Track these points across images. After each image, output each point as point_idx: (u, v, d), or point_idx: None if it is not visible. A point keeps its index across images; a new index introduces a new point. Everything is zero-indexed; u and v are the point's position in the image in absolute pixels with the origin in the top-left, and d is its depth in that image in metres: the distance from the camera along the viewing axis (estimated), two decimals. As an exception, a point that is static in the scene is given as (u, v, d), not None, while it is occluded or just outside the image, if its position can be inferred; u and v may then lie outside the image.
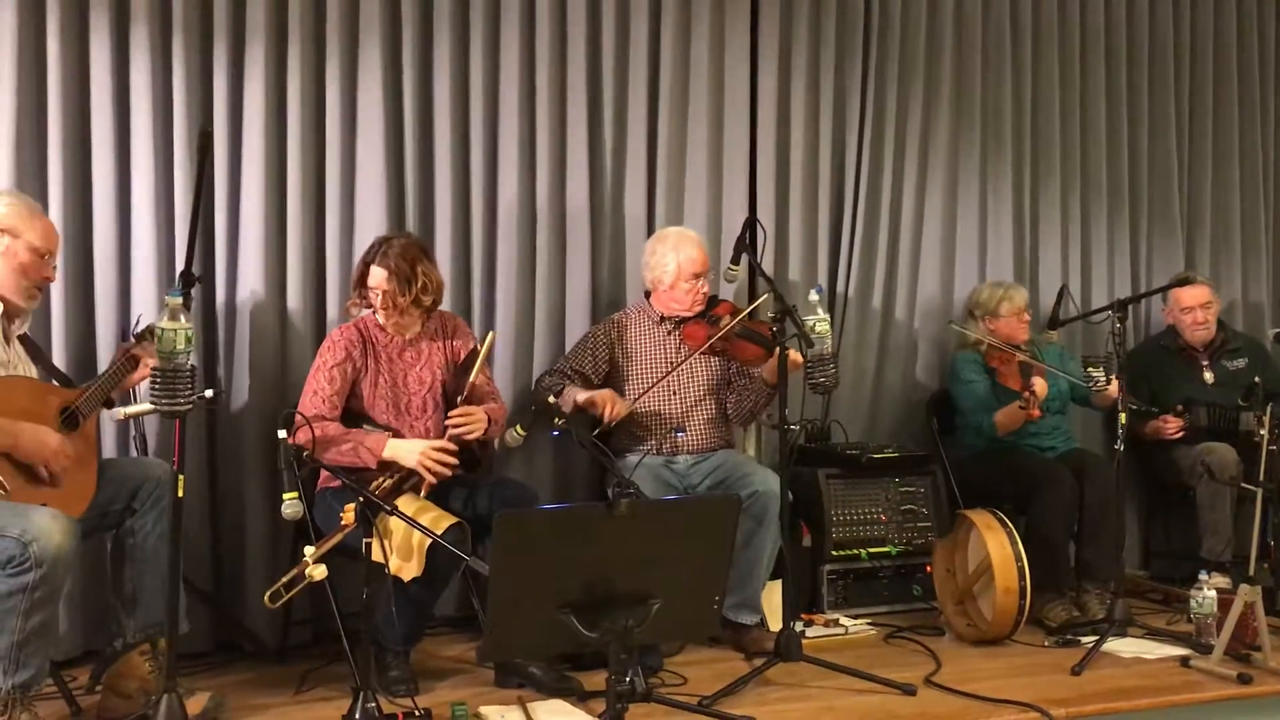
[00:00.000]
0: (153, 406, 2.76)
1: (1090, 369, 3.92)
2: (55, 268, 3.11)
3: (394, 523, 3.07)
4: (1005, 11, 4.77)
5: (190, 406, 2.76)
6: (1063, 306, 4.36)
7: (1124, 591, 3.80)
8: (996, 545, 3.70)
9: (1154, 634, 3.81)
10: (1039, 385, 4.02)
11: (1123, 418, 3.78)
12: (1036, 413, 3.98)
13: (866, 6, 4.57)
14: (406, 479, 3.32)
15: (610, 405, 3.76)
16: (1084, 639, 3.71)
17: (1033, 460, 4.24)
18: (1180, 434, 4.47)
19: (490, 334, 3.60)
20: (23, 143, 3.48)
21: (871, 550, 4.15)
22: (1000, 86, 4.78)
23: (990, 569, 3.69)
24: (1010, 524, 3.76)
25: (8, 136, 3.46)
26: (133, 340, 3.17)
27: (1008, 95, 4.79)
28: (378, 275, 3.43)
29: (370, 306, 3.49)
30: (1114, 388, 3.81)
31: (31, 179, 3.50)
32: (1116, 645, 3.65)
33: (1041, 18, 4.83)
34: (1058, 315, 4.30)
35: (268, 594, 2.98)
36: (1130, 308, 4.03)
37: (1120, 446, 3.77)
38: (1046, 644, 3.76)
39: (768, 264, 4.04)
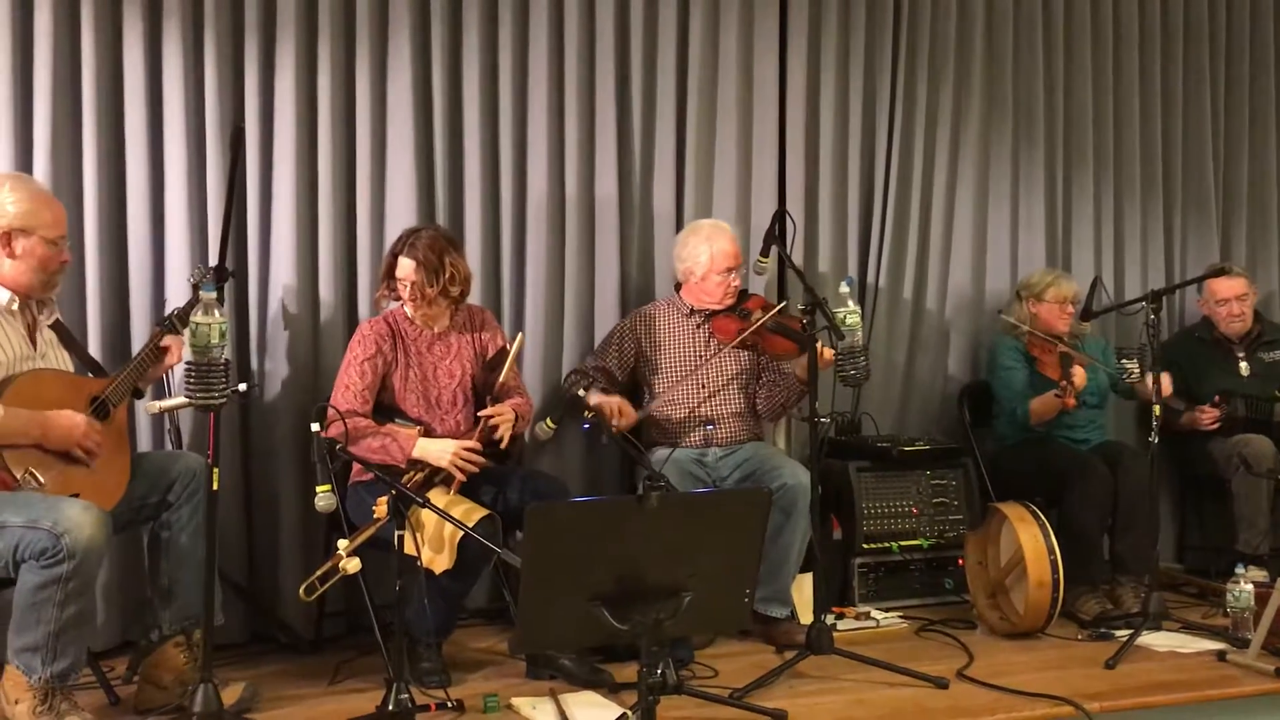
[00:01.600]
0: (187, 400, 2.79)
1: (1124, 360, 3.89)
2: (68, 246, 3.04)
3: (425, 515, 3.08)
4: (1036, -3, 4.73)
5: (224, 400, 2.78)
6: (1096, 297, 4.31)
7: (1158, 585, 3.76)
8: (1029, 538, 3.67)
9: (1189, 628, 3.78)
10: (1079, 376, 3.99)
11: (1156, 409, 3.75)
12: (1071, 402, 3.96)
13: (896, -6, 4.54)
14: (437, 472, 3.34)
15: (616, 414, 3.73)
16: (1118, 633, 3.68)
17: (1066, 452, 4.21)
18: (1216, 425, 4.42)
19: (520, 335, 3.60)
20: (58, 138, 3.51)
21: (903, 543, 4.14)
22: (1032, 74, 4.74)
23: (1023, 562, 3.67)
24: (1043, 517, 3.73)
25: (44, 132, 3.49)
26: (160, 328, 3.18)
27: (1039, 83, 4.74)
28: (405, 266, 3.44)
29: (399, 298, 3.51)
30: (1159, 384, 3.77)
31: (67, 174, 3.53)
32: (1151, 639, 3.62)
33: (1074, 3, 4.78)
34: (1091, 306, 4.26)
35: (302, 587, 3.01)
36: (1165, 299, 3.98)
37: (1155, 439, 3.74)
38: (1080, 637, 3.74)
39: (797, 256, 4.02)
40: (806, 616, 3.60)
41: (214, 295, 2.77)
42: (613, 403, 3.77)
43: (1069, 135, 4.81)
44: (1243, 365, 4.60)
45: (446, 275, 3.43)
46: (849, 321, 3.42)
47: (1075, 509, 4.00)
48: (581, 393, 3.64)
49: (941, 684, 3.24)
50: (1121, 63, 4.85)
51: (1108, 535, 4.13)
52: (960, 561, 4.09)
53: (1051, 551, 3.64)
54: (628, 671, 3.20)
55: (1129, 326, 4.66)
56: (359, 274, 3.87)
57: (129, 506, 3.04)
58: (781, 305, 3.92)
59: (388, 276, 3.51)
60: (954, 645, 3.68)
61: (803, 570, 3.73)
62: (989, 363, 4.49)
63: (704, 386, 3.90)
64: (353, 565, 2.85)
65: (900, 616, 3.95)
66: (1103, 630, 3.74)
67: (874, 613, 3.93)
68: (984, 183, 4.69)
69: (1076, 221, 4.84)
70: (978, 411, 4.53)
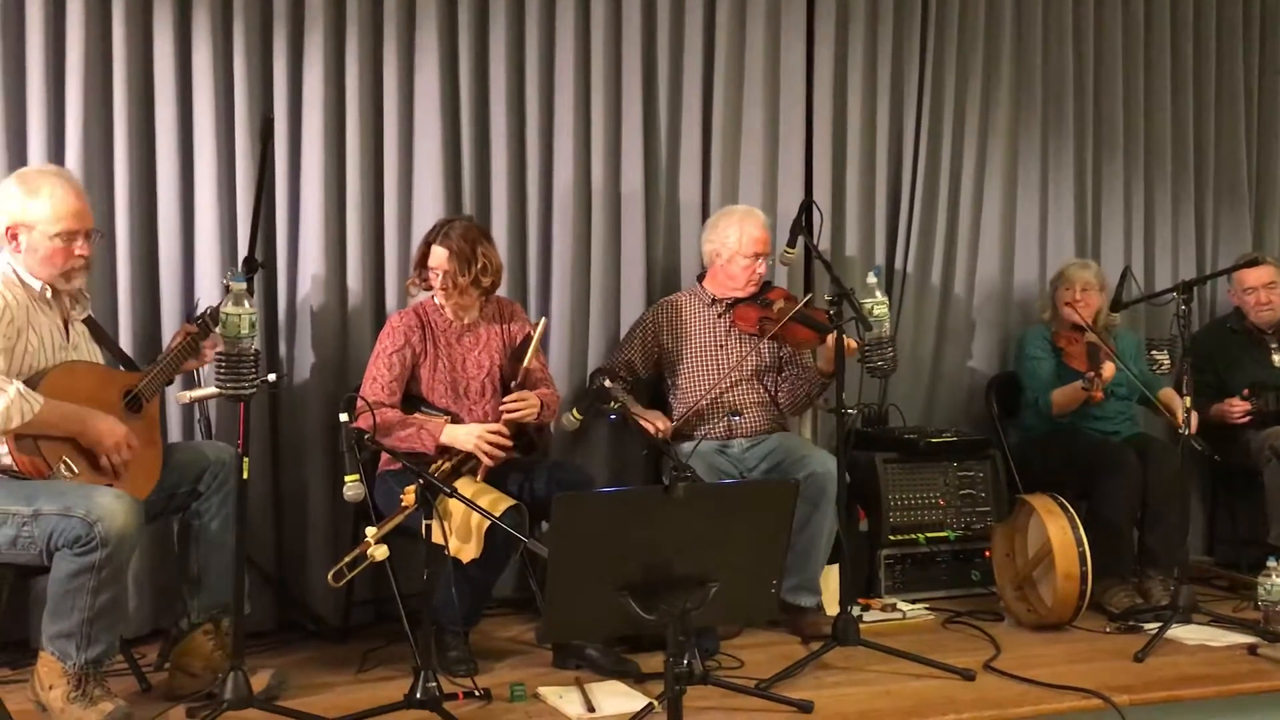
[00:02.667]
0: (218, 390, 2.81)
1: (1154, 352, 3.86)
2: (88, 243, 2.93)
3: (453, 505, 3.09)
4: (1066, -16, 4.69)
5: (254, 390, 2.80)
6: (1126, 288, 4.28)
7: (1188, 577, 3.72)
8: (1057, 530, 3.65)
9: (1219, 621, 3.74)
10: (1108, 370, 3.96)
11: (1187, 401, 3.72)
12: (1099, 395, 3.93)
13: (924, -18, 4.52)
14: (464, 462, 3.35)
15: (656, 428, 3.71)
16: (1147, 626, 3.66)
17: (1095, 444, 4.18)
18: (1247, 418, 4.38)
19: (543, 320, 3.61)
20: (90, 131, 3.54)
21: (929, 535, 4.12)
22: (1062, 62, 4.70)
23: (1051, 554, 3.65)
24: (1071, 509, 3.71)
25: (76, 125, 3.52)
26: (194, 325, 3.20)
27: (1069, 71, 4.70)
28: (439, 255, 3.45)
29: (429, 287, 3.52)
30: (1178, 404, 3.74)
31: (98, 167, 3.56)
32: (1181, 632, 3.59)
33: (1104, -12, 4.75)
34: (1121, 297, 4.22)
35: (331, 573, 3.03)
36: (1196, 289, 3.95)
37: (1186, 431, 3.71)
38: (1108, 630, 3.72)
39: (823, 247, 4.01)
40: (833, 608, 3.60)
41: (244, 286, 2.78)
42: (651, 417, 3.76)
43: (1099, 123, 4.77)
44: (1276, 356, 4.55)
45: (478, 265, 3.45)
46: (876, 312, 3.40)
47: (1104, 501, 3.98)
48: (608, 383, 3.64)
49: (968, 676, 3.23)
50: (1153, 48, 4.81)
51: (1137, 528, 4.10)
52: (987, 553, 4.08)
53: (1080, 543, 3.62)
54: (653, 661, 3.22)
55: (1159, 318, 4.62)
56: (386, 265, 3.89)
57: (160, 496, 3.06)
58: (808, 299, 3.91)
59: (420, 265, 3.52)
60: (981, 637, 3.67)
61: (829, 561, 3.72)
62: (1016, 352, 4.47)
63: (726, 376, 3.90)
64: (381, 552, 2.87)
65: (926, 608, 3.93)
66: (1132, 623, 3.72)
67: (900, 604, 3.92)
68: (1012, 171, 4.66)
69: (1106, 210, 4.80)
70: (1006, 403, 4.50)
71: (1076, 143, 4.73)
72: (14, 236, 2.89)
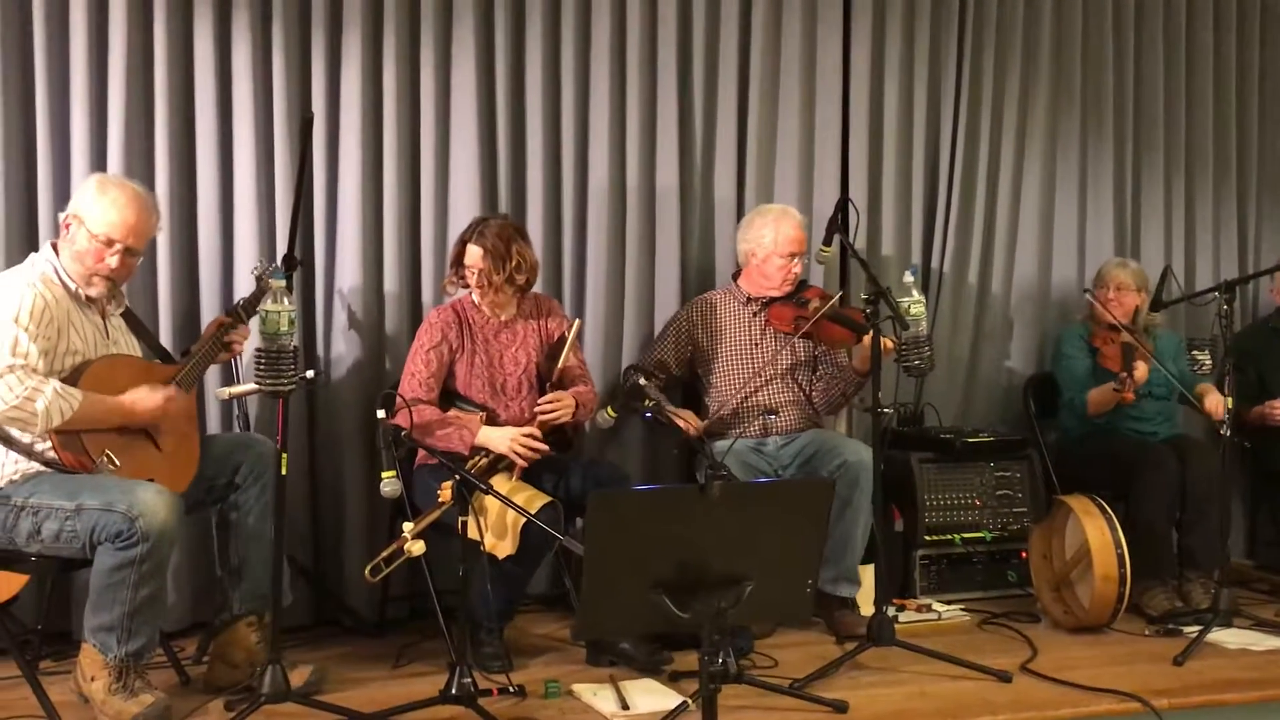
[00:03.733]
0: (257, 386, 2.84)
1: (1195, 352, 3.82)
2: (127, 258, 2.96)
3: (489, 501, 3.11)
4: (1107, -20, 4.64)
5: (294, 386, 2.83)
6: (1166, 288, 4.24)
7: (1229, 580, 3.68)
8: (1095, 531, 3.62)
9: (1261, 625, 3.70)
10: (1140, 371, 3.92)
11: (1229, 402, 3.67)
12: (1130, 396, 3.90)
13: (961, -21, 4.49)
14: (500, 459, 3.36)
15: (688, 427, 3.67)
16: (1187, 629, 3.62)
17: (1134, 445, 4.14)
18: (1289, 420, 4.32)
19: (577, 321, 3.62)
20: (131, 130, 3.58)
21: (965, 535, 4.09)
22: (1101, 57, 4.65)
23: (1088, 555, 3.62)
24: (1109, 510, 3.68)
25: (118, 123, 3.56)
26: (227, 317, 3.23)
27: (1109, 68, 4.66)
28: (474, 254, 3.47)
29: (466, 285, 3.54)
30: (1217, 403, 3.69)
31: (139, 163, 3.60)
32: (1221, 636, 3.55)
33: (1146, -16, 4.70)
34: (1161, 297, 4.18)
35: (368, 568, 3.05)
36: (1238, 289, 3.90)
37: (1226, 432, 3.66)
38: (1147, 633, 3.68)
39: (860, 245, 3.98)
40: (867, 608, 3.58)
41: (283, 283, 2.81)
42: (682, 416, 3.74)
43: (1139, 120, 4.72)
44: (1319, 356, 4.49)
45: (513, 263, 3.46)
46: (913, 311, 3.38)
47: (1143, 502, 3.94)
48: (643, 381, 3.64)
49: (1005, 677, 3.21)
50: (1194, 44, 4.75)
51: (1176, 530, 4.05)
52: (1024, 554, 4.05)
53: (1118, 545, 3.59)
54: (687, 659, 3.22)
55: (1201, 317, 4.56)
56: (423, 262, 3.91)
57: (197, 488, 3.09)
58: (840, 295, 3.90)
59: (456, 263, 3.54)
60: (1017, 639, 3.64)
61: (864, 561, 3.70)
62: (1053, 352, 4.43)
63: (760, 375, 3.89)
64: (417, 548, 2.88)
65: (962, 609, 3.91)
66: (1171, 626, 3.68)
67: (935, 605, 3.90)
68: (1051, 169, 4.62)
69: (1146, 209, 4.76)
70: (1043, 403, 4.46)
71: (1116, 140, 4.68)
72: (68, 225, 2.95)
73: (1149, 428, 4.25)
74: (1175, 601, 3.86)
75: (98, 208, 2.93)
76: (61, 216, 2.99)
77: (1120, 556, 3.58)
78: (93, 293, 2.98)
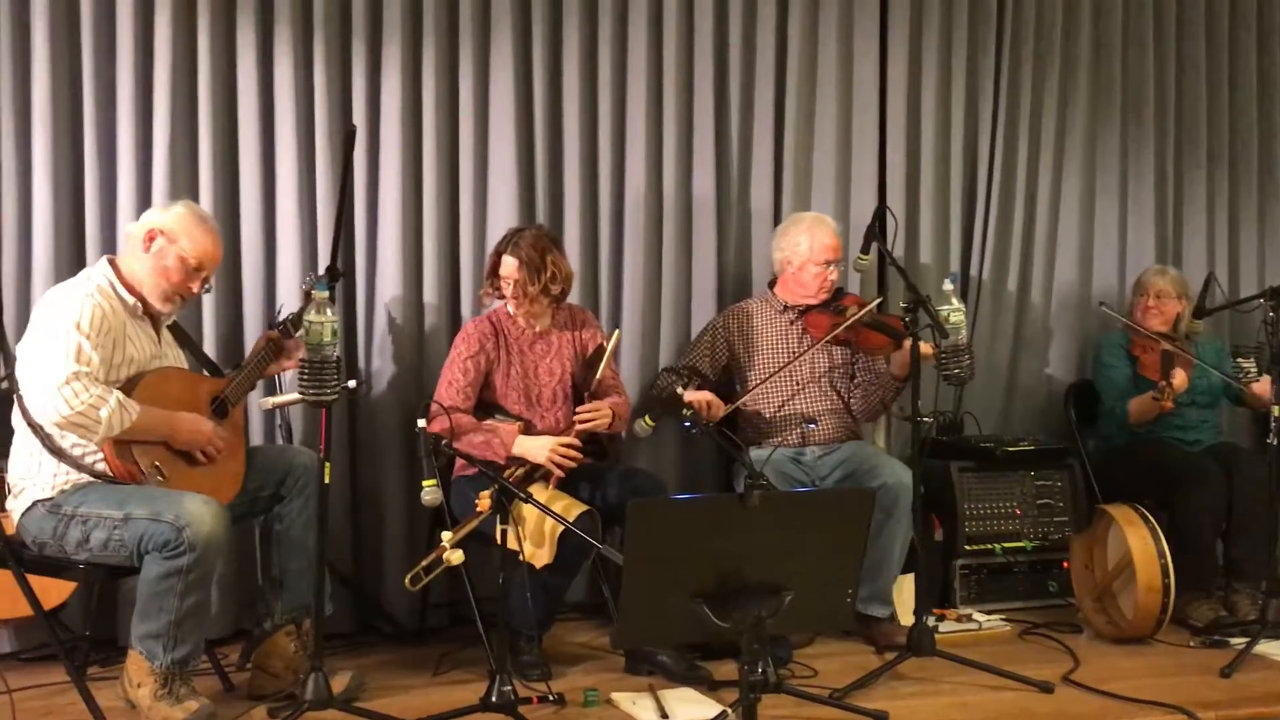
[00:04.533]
0: (300, 396, 2.87)
1: (1240, 360, 3.77)
2: (204, 286, 3.08)
3: (527, 510, 3.12)
4: (1146, -15, 4.60)
5: (336, 396, 2.86)
6: (1210, 294, 4.20)
7: (1277, 590, 3.63)
8: (1138, 541, 3.59)
9: (1311, 636, 3.65)
10: (1178, 379, 3.88)
11: (1276, 410, 3.62)
12: (1169, 405, 3.86)
13: (1000, -14, 4.46)
14: (537, 468, 3.38)
15: (705, 408, 3.69)
16: (1233, 640, 3.58)
17: (1178, 454, 4.09)
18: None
19: (616, 331, 3.63)
20: (176, 142, 3.64)
21: (1005, 545, 4.07)
22: (1141, 64, 4.61)
23: (1131, 565, 3.58)
24: (1152, 519, 3.64)
25: (163, 135, 3.62)
26: (275, 331, 3.27)
27: (1150, 73, 4.61)
28: (509, 264, 3.49)
29: (501, 296, 3.56)
30: (1265, 385, 3.66)
31: (183, 175, 3.66)
32: (1269, 647, 3.50)
33: (1186, -12, 4.66)
34: (1204, 304, 4.14)
35: (408, 576, 3.07)
36: (1284, 295, 3.85)
37: (1274, 440, 3.61)
38: (1192, 644, 3.64)
39: (898, 253, 3.97)
40: (907, 618, 3.56)
41: (326, 295, 2.84)
42: (701, 398, 3.75)
43: (1181, 123, 4.67)
44: (1367, 363, 4.41)
45: (548, 274, 3.48)
46: (953, 319, 3.37)
47: (1187, 512, 3.89)
48: (680, 390, 3.65)
49: (1047, 688, 3.19)
50: (1236, 47, 4.70)
51: (1222, 540, 4.00)
52: (1065, 564, 4.01)
53: (1162, 555, 3.56)
54: (725, 669, 3.21)
55: (1245, 324, 4.50)
56: (462, 272, 3.94)
57: (243, 499, 3.13)
58: (878, 301, 3.89)
59: (492, 274, 3.57)
60: (1059, 649, 3.61)
61: (904, 571, 3.69)
62: (1093, 360, 4.40)
63: (798, 384, 3.88)
64: (456, 556, 2.90)
65: (1002, 619, 3.88)
66: (1217, 638, 3.63)
67: (975, 615, 3.87)
68: (1091, 174, 4.58)
69: (1189, 214, 4.71)
70: (1084, 411, 4.42)
71: (1157, 145, 4.64)
72: (151, 239, 3.00)
73: (1192, 436, 4.20)
74: (1221, 612, 3.81)
75: (196, 233, 3.02)
76: (134, 230, 3.03)
77: (1164, 567, 3.54)
78: (167, 309, 3.06)
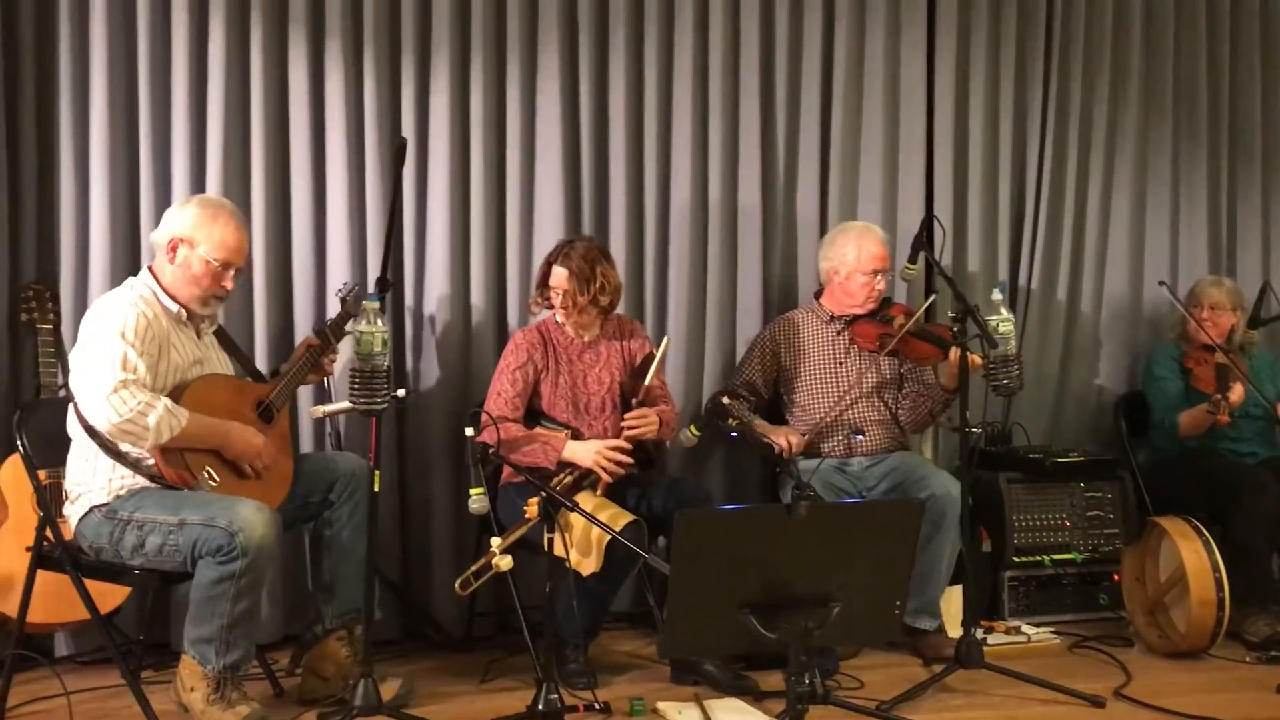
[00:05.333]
0: (351, 405, 2.90)
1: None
2: (233, 278, 3.07)
3: (574, 518, 3.14)
4: (1200, -10, 4.55)
5: (386, 405, 2.89)
6: (1265, 304, 4.13)
7: (1334, 607, 3.58)
8: (1191, 554, 3.54)
9: (1369, 653, 3.58)
10: (1236, 393, 3.82)
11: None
12: (1225, 419, 3.80)
13: (1050, -9, 4.43)
14: (585, 476, 3.39)
15: (788, 443, 3.70)
16: (1290, 656, 3.52)
17: (1231, 466, 4.03)
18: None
19: (665, 339, 3.64)
20: (229, 153, 3.70)
21: (1055, 557, 4.02)
22: (1194, 71, 4.56)
23: (1184, 579, 3.53)
24: (1206, 532, 3.59)
25: (216, 147, 3.68)
26: (316, 338, 3.31)
27: (1203, 80, 4.56)
28: (559, 275, 3.52)
29: (551, 306, 3.59)
30: None
31: (236, 185, 3.71)
32: (1326, 664, 3.45)
33: (1241, -6, 4.59)
34: (1259, 314, 4.08)
35: (458, 582, 3.09)
36: (1342, 305, 3.79)
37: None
38: (1248, 660, 3.59)
39: (945, 263, 3.94)
40: (954, 630, 3.54)
41: (377, 305, 2.87)
42: (782, 432, 3.75)
43: (1234, 130, 4.61)
44: None
45: (597, 285, 3.50)
46: (1002, 329, 3.34)
47: (1242, 525, 3.82)
48: (726, 400, 3.65)
49: (1098, 703, 3.15)
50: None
51: (1278, 553, 3.94)
52: (1116, 577, 3.97)
53: (1216, 569, 3.51)
54: (771, 680, 3.21)
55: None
56: (508, 282, 3.97)
57: (292, 506, 3.17)
58: (928, 305, 3.86)
59: (541, 285, 3.59)
60: (1110, 663, 3.57)
61: (951, 582, 3.66)
62: (1144, 371, 4.34)
63: (845, 394, 3.86)
64: (505, 563, 2.92)
65: (1052, 632, 3.84)
66: (1273, 653, 3.57)
67: (1024, 627, 3.83)
68: (1142, 182, 4.53)
69: (1242, 222, 4.65)
70: (1135, 422, 4.37)
71: (1210, 151, 4.58)
72: (174, 249, 3.02)
73: (1246, 448, 4.13)
74: (1277, 628, 3.75)
75: (214, 233, 3.03)
76: (158, 239, 3.06)
77: (1218, 580, 3.49)
78: (207, 312, 3.10)
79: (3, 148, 3.61)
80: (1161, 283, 4.24)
